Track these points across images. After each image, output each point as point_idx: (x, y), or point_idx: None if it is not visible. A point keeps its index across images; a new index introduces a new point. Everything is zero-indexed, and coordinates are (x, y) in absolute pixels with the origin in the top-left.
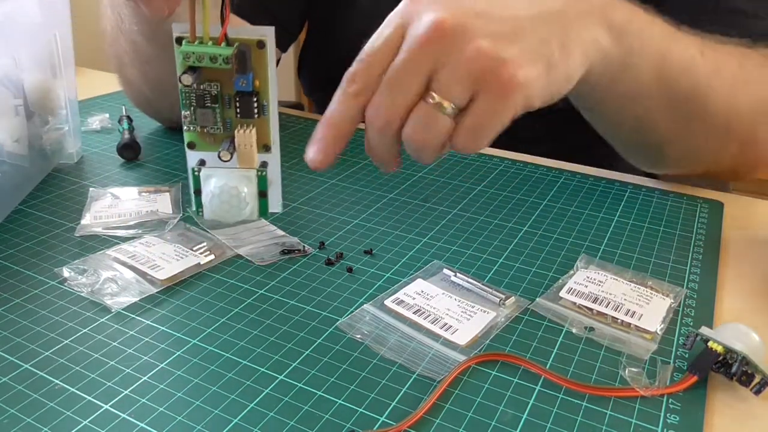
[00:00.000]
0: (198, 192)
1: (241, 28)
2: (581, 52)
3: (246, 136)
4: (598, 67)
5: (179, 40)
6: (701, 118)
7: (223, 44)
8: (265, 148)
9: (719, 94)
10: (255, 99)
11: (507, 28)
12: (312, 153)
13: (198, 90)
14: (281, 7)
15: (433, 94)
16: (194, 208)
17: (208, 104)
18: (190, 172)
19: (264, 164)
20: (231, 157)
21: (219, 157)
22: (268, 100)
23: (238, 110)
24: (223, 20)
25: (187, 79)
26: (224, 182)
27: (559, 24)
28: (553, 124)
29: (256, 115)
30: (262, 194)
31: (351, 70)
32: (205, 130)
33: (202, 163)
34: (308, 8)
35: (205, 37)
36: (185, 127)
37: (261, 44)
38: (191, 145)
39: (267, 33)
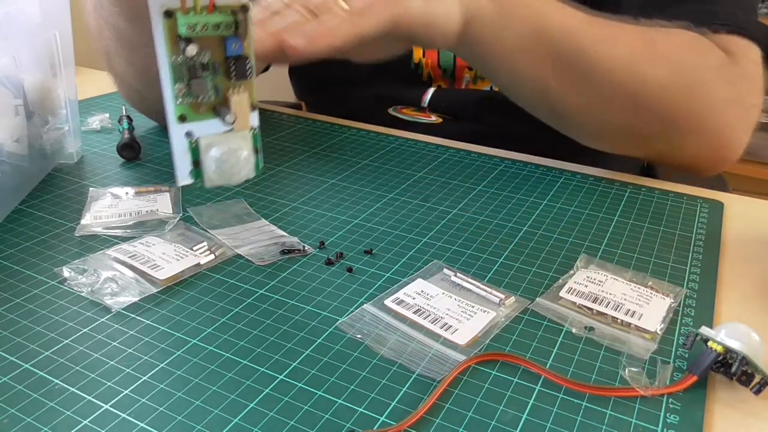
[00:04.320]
0: (197, 163)
1: None
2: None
3: (241, 98)
4: (477, 20)
5: (169, 14)
6: (593, 83)
7: (214, 12)
8: (252, 107)
9: (611, 62)
10: (248, 60)
11: None
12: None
13: (189, 61)
14: None
15: None
16: (194, 178)
17: (201, 73)
18: (180, 146)
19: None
20: (235, 120)
21: (225, 121)
22: (253, 61)
23: (233, 73)
24: None
25: (193, 49)
26: (227, 147)
27: None
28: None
29: (249, 76)
30: (256, 151)
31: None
32: (199, 100)
33: (189, 134)
34: None
35: (197, 7)
36: (177, 101)
37: (245, 8)
38: (183, 118)
39: None
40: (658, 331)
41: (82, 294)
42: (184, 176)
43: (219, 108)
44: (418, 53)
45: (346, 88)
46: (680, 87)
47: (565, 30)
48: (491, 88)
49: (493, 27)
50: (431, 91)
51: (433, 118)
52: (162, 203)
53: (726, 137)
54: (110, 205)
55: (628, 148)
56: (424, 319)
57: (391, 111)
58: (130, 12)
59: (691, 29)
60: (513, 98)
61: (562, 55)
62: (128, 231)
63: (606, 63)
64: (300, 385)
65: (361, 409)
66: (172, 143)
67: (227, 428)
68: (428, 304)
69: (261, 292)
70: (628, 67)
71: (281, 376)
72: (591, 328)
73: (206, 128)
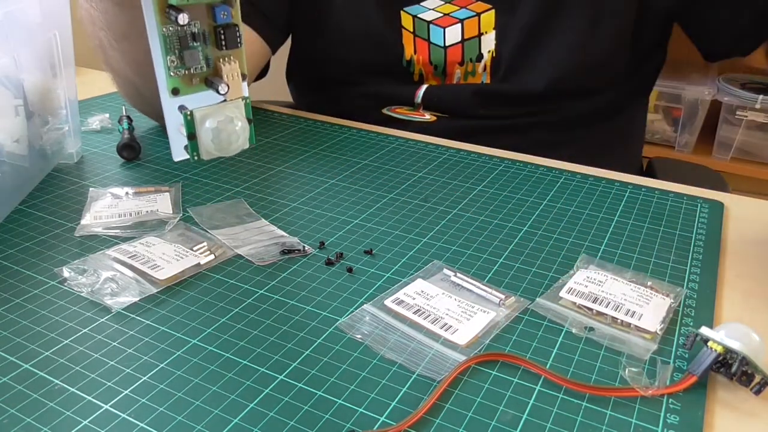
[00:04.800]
0: (192, 136)
1: None
2: None
3: (233, 68)
4: None
5: None
6: None
7: None
8: (242, 76)
9: None
10: (237, 28)
11: None
12: None
13: (180, 31)
14: (274, 6)
15: None
16: (190, 154)
17: (192, 44)
18: (174, 121)
19: None
20: (228, 89)
21: (218, 92)
22: (242, 29)
23: (223, 42)
24: None
25: (184, 17)
26: (223, 117)
27: None
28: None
29: (240, 45)
30: (250, 121)
31: None
32: (191, 71)
33: (182, 107)
34: (291, 9)
35: None
36: (169, 74)
37: None
38: (176, 92)
39: None
40: (658, 332)
41: (82, 294)
42: (179, 152)
43: (211, 79)
44: (409, 51)
45: (340, 87)
46: None
47: None
48: (482, 82)
49: None
50: (423, 88)
51: (427, 117)
52: (162, 203)
53: None
54: (110, 205)
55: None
56: (424, 319)
57: (385, 111)
58: None
59: None
60: None
61: None
62: (128, 231)
63: None
64: (300, 385)
65: (361, 409)
66: (165, 118)
67: (227, 428)
68: (428, 305)
69: (261, 292)
70: None
71: (281, 376)
72: (591, 329)
73: (199, 100)
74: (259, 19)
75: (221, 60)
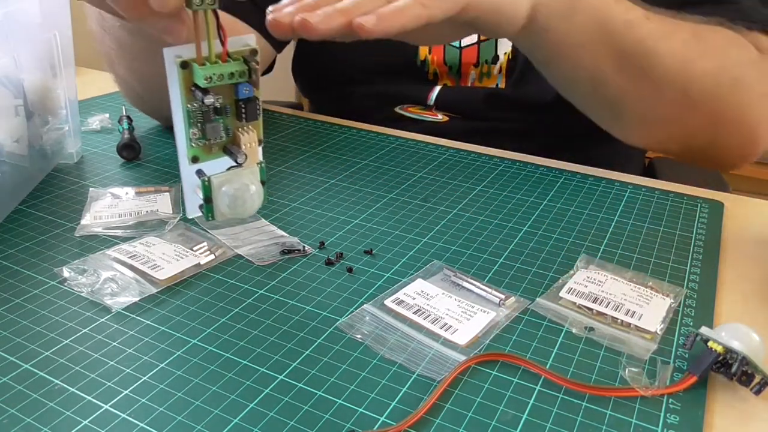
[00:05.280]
0: (208, 200)
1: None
2: None
3: (251, 137)
4: (544, 9)
5: (185, 65)
6: (650, 77)
7: (227, 60)
8: (259, 142)
9: (668, 57)
10: (258, 102)
11: None
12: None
13: (203, 107)
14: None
15: None
16: (205, 215)
17: (214, 118)
18: (191, 183)
19: None
20: (246, 158)
21: (237, 162)
22: (260, 101)
23: (244, 115)
24: (221, 39)
25: (210, 99)
26: (239, 184)
27: None
28: (571, 133)
29: (259, 116)
30: (263, 183)
31: None
32: (211, 142)
33: (200, 172)
34: None
35: (212, 57)
36: (191, 145)
37: (254, 52)
38: (195, 159)
39: (251, 41)
40: (658, 332)
41: (82, 294)
42: (194, 209)
43: (230, 147)
44: (423, 51)
45: (351, 86)
46: (726, 81)
47: (628, 25)
48: (497, 85)
49: (560, 17)
50: (437, 89)
51: (440, 117)
52: (162, 203)
53: (758, 132)
54: (110, 205)
55: (668, 142)
56: (424, 319)
57: (397, 109)
58: (134, 27)
59: (725, 25)
60: (565, 92)
61: (624, 49)
62: (128, 231)
63: (664, 58)
64: (300, 385)
65: (361, 409)
66: (183, 180)
67: (227, 428)
68: (428, 305)
69: (261, 292)
70: (683, 62)
71: (281, 376)
72: (591, 329)
73: (216, 166)
74: (261, 19)
75: (240, 129)
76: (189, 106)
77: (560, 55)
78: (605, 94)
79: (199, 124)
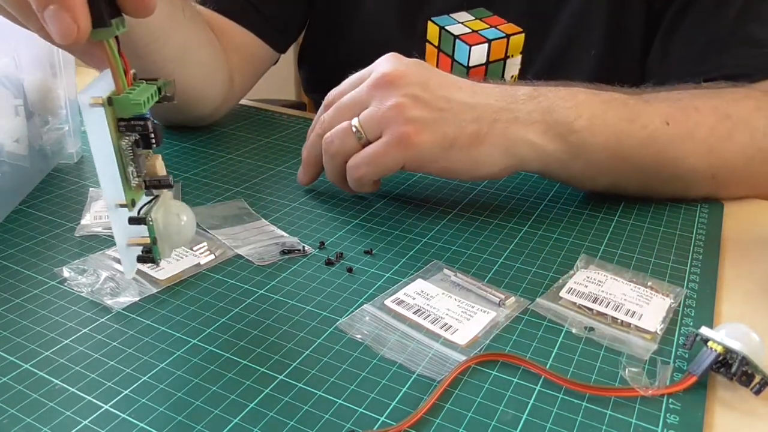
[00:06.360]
0: (155, 241)
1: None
2: (502, 148)
3: (160, 160)
4: (534, 161)
5: (110, 101)
6: (676, 177)
7: (137, 83)
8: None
9: (693, 155)
10: (153, 121)
11: (433, 100)
12: (300, 175)
13: (129, 139)
14: (278, 7)
15: (356, 119)
16: (155, 258)
17: (140, 149)
18: (124, 236)
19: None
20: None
21: (171, 185)
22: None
23: (153, 141)
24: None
25: (139, 128)
26: (176, 210)
27: (487, 119)
28: None
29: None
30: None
31: (322, 116)
32: (141, 178)
33: (133, 219)
34: (310, 8)
35: (126, 84)
36: (129, 187)
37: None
38: (134, 202)
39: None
40: (658, 332)
41: (82, 294)
42: (132, 268)
43: (152, 178)
44: (431, 63)
45: None
46: (756, 153)
47: (644, 142)
48: None
49: (562, 162)
50: None
51: None
52: None
53: None
54: None
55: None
56: (424, 319)
57: None
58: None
59: (732, 85)
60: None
61: (643, 166)
62: None
63: (686, 159)
64: (300, 385)
65: (361, 409)
66: (116, 237)
67: (227, 428)
68: (428, 305)
69: (261, 292)
70: (708, 153)
71: (281, 376)
72: (591, 329)
73: (139, 206)
74: (257, 20)
75: (147, 157)
76: (122, 143)
77: (572, 180)
78: (628, 192)
79: (131, 162)
